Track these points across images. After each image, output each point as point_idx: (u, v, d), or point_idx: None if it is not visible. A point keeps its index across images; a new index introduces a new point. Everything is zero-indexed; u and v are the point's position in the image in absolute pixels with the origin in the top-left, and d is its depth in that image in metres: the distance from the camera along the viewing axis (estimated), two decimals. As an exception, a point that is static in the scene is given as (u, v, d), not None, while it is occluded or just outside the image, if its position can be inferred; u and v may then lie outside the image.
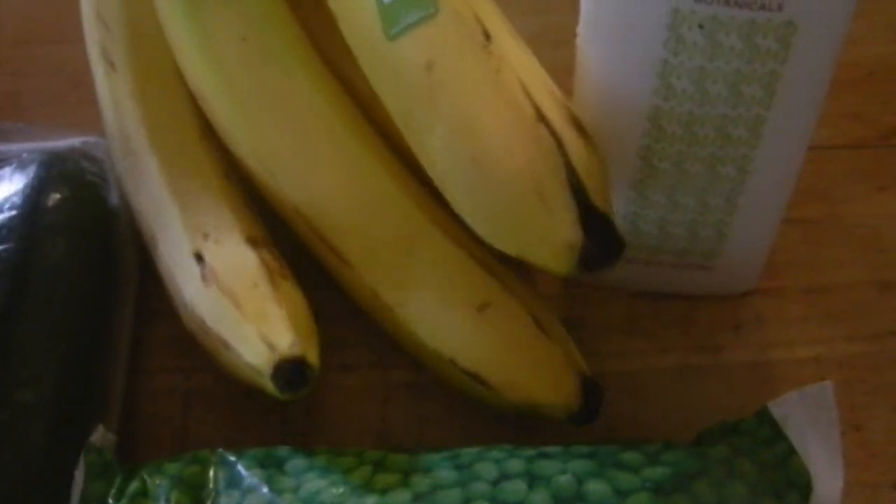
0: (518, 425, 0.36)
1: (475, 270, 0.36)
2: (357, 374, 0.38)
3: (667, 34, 0.31)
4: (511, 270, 0.37)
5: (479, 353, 0.35)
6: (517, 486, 0.30)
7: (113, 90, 0.40)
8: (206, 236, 0.37)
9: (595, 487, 0.30)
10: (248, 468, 0.33)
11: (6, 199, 0.37)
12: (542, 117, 0.32)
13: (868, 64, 0.46)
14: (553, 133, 0.32)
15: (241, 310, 0.35)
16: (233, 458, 0.33)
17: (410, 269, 0.36)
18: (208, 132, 0.39)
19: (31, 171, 0.38)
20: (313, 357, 0.34)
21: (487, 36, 0.33)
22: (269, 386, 0.33)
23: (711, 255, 0.38)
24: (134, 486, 0.33)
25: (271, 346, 0.33)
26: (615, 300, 0.40)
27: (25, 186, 0.38)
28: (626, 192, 0.36)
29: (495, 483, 0.31)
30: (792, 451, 0.32)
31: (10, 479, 0.33)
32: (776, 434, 0.32)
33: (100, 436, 0.34)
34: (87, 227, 0.39)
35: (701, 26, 0.30)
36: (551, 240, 0.31)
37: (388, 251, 0.37)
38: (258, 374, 0.33)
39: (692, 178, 0.35)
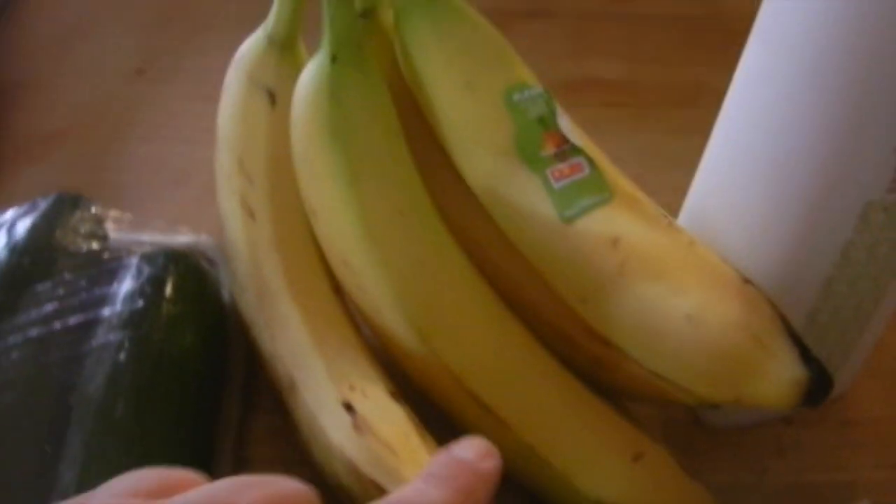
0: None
1: (624, 424, 0.38)
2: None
3: (856, 221, 0.33)
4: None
5: (640, 499, 0.37)
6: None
7: (250, 238, 0.40)
8: (352, 388, 0.37)
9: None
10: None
11: (139, 288, 0.39)
12: (746, 280, 0.34)
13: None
14: (760, 290, 0.34)
15: (398, 458, 0.35)
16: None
17: (566, 426, 0.37)
18: (339, 288, 0.40)
19: (160, 263, 0.41)
20: None
21: (667, 218, 0.35)
22: None
23: None
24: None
25: None
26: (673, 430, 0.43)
27: (154, 278, 0.40)
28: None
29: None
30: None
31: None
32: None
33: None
34: (209, 321, 0.41)
35: (885, 210, 0.33)
36: (777, 379, 0.32)
37: (544, 410, 0.37)
38: None
39: (840, 322, 0.38)
